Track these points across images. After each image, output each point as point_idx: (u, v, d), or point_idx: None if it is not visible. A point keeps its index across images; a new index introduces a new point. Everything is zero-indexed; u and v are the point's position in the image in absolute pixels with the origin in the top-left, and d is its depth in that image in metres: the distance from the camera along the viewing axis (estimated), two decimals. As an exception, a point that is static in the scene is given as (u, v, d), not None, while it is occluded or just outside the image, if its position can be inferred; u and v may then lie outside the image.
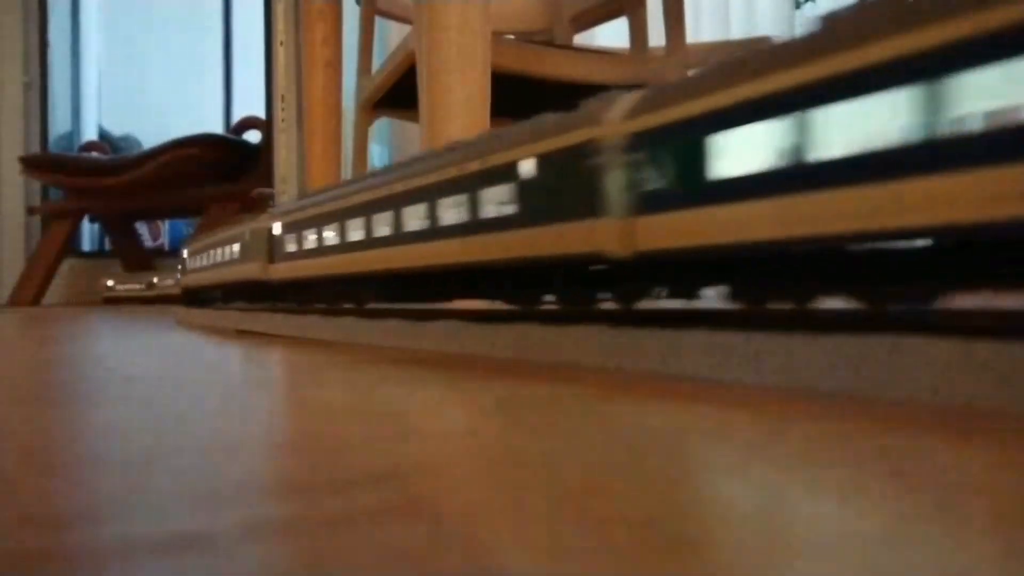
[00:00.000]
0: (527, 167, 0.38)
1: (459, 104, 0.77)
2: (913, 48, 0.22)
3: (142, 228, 2.71)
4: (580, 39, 1.87)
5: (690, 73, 0.37)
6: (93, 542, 0.12)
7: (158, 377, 0.36)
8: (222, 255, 0.91)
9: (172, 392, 0.31)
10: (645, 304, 0.35)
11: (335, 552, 0.12)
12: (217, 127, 2.68)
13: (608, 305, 0.37)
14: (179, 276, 1.20)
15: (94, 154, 2.36)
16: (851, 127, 0.23)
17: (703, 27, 2.46)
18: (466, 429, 0.22)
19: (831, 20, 0.26)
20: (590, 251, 0.33)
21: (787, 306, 0.30)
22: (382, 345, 0.54)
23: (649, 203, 0.31)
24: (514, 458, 0.18)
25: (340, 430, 0.22)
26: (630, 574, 0.11)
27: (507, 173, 0.39)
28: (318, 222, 0.64)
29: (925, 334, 0.25)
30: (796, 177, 0.25)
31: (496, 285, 0.44)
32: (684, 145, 0.29)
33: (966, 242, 0.23)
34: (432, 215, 0.46)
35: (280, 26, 1.37)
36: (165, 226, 2.79)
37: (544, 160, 0.37)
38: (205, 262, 1.00)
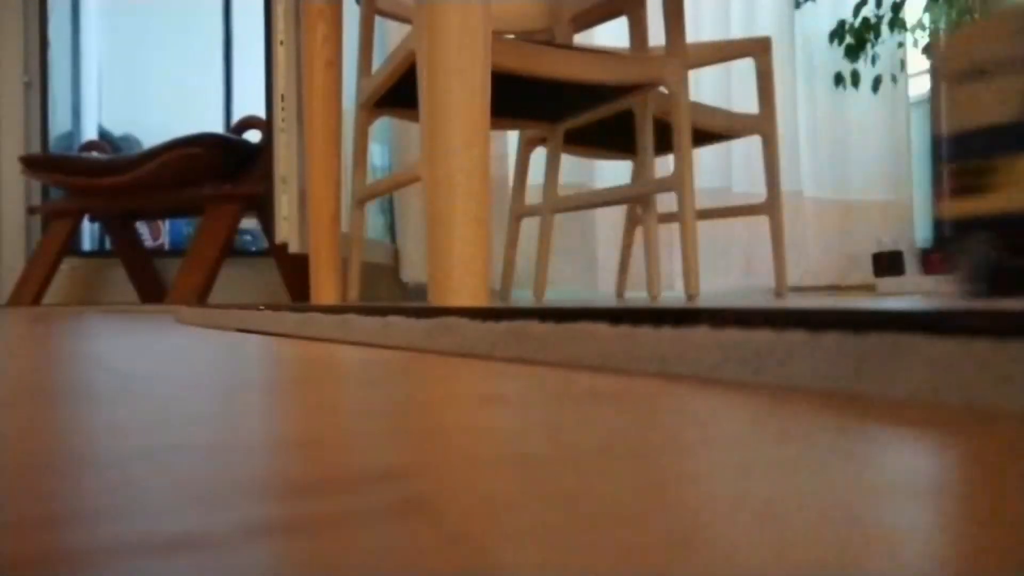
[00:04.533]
0: None
1: (459, 104, 0.77)
2: None
3: (142, 228, 2.71)
4: (580, 39, 1.87)
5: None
6: (93, 542, 0.12)
7: (158, 376, 0.36)
8: None
9: (172, 392, 0.31)
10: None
11: (335, 552, 0.12)
12: (217, 127, 2.68)
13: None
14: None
15: (94, 154, 2.36)
16: None
17: (703, 27, 2.46)
18: (467, 427, 0.22)
19: None
20: None
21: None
22: (383, 344, 0.54)
23: None
24: (517, 456, 0.18)
25: (341, 429, 0.22)
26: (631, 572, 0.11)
27: None
28: None
29: (925, 333, 0.25)
30: None
31: None
32: None
33: None
34: None
35: (280, 26, 1.37)
36: (165, 226, 2.79)
37: None
38: None
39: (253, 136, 2.26)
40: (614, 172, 2.24)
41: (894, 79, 2.83)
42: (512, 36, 1.65)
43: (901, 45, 2.85)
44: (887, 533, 0.12)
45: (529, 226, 2.06)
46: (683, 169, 1.34)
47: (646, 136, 1.41)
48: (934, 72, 3.15)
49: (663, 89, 1.40)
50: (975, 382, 0.23)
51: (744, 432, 0.21)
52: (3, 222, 2.45)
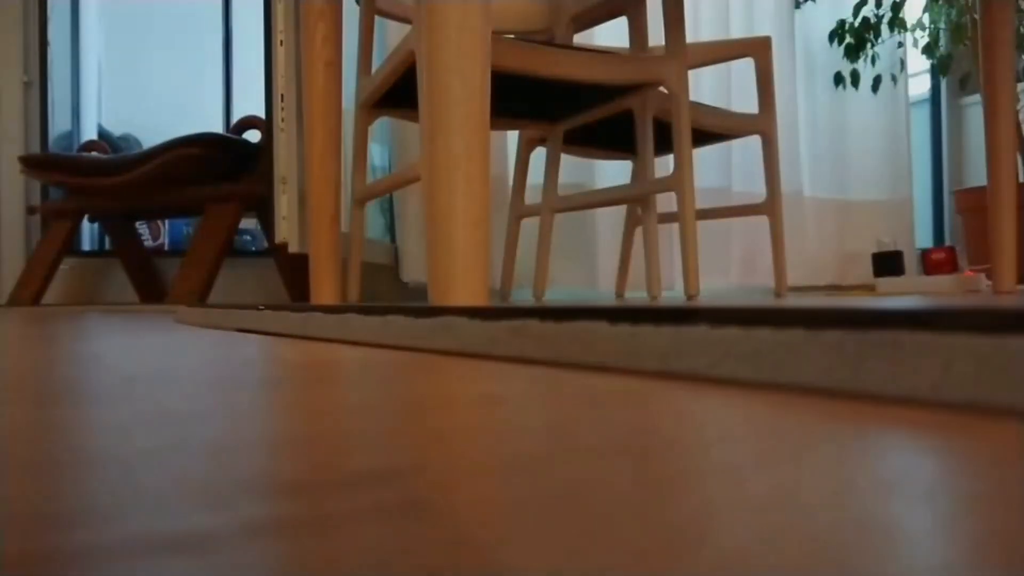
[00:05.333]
0: None
1: (459, 104, 0.77)
2: None
3: (142, 228, 2.71)
4: (580, 39, 1.87)
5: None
6: (93, 542, 0.12)
7: (158, 376, 0.36)
8: None
9: (172, 391, 0.31)
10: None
11: (335, 552, 0.11)
12: (217, 127, 2.68)
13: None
14: None
15: (94, 154, 2.36)
16: None
17: (703, 27, 2.46)
18: (467, 427, 0.22)
19: None
20: None
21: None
22: (383, 344, 0.54)
23: None
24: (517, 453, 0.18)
25: (341, 428, 0.22)
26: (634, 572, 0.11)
27: None
28: None
29: (925, 332, 0.25)
30: None
31: None
32: None
33: None
34: None
35: (280, 26, 1.37)
36: (165, 226, 2.79)
37: None
38: None
39: (253, 136, 2.26)
40: (614, 172, 2.24)
41: (894, 79, 2.83)
42: (512, 36, 1.65)
43: (901, 45, 2.85)
44: (887, 532, 0.12)
45: (529, 226, 2.06)
46: (683, 169, 1.34)
47: (646, 136, 1.41)
48: (934, 71, 3.15)
49: (663, 89, 1.40)
50: (975, 381, 0.23)
51: (744, 431, 0.21)
52: (3, 222, 2.45)
